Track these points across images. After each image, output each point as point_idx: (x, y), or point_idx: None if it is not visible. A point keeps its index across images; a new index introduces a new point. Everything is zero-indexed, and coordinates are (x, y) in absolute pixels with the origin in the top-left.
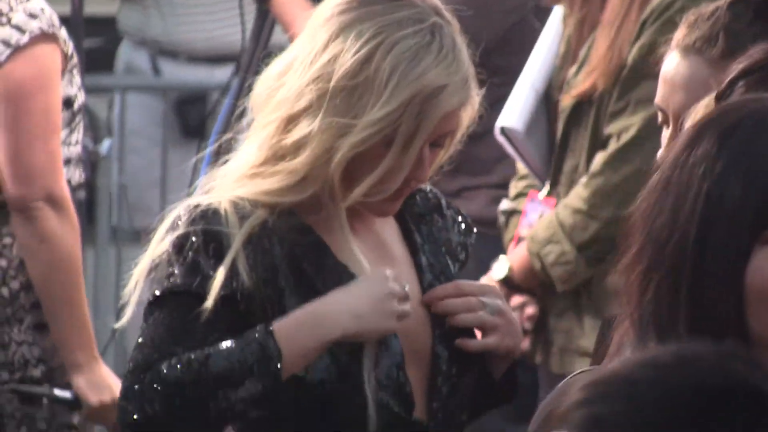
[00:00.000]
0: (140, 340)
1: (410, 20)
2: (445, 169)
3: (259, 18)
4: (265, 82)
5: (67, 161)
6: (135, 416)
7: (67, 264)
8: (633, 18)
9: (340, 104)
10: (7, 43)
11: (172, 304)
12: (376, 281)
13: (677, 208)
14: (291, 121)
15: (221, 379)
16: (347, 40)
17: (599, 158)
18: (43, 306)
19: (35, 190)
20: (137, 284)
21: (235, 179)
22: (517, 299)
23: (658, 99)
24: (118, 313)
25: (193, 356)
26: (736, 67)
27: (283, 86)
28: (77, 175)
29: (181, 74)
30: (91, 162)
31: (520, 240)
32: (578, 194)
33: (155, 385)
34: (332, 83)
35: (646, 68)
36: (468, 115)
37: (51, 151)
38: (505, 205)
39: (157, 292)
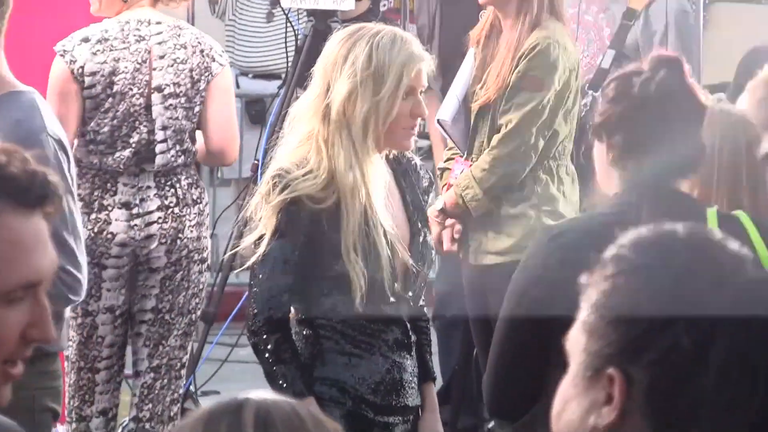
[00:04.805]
0: (256, 277)
1: (382, 34)
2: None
3: (297, 52)
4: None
5: None
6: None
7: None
8: (511, 57)
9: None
10: (220, 64)
11: (276, 245)
12: None
13: None
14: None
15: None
16: (352, 53)
17: (495, 138)
18: None
19: (225, 142)
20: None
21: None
22: (449, 221)
23: None
24: (214, 225)
25: (290, 376)
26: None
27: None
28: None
29: (249, 86)
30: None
31: (449, 186)
32: (483, 159)
33: (266, 355)
34: (358, 78)
35: (520, 86)
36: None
37: (233, 121)
38: (440, 165)
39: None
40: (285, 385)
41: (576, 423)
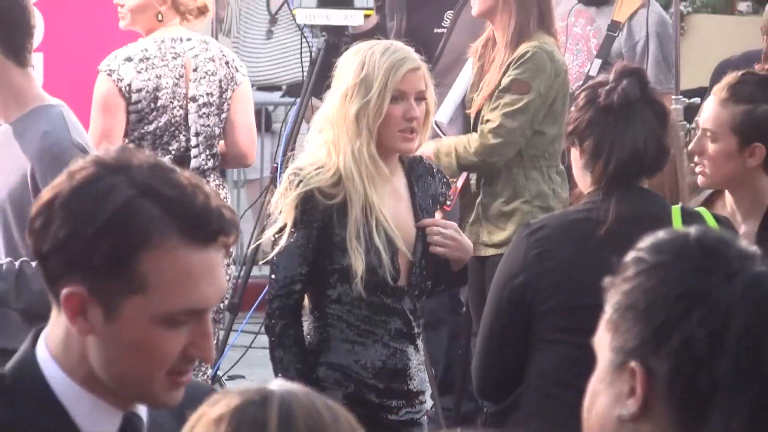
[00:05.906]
0: (274, 265)
1: (377, 46)
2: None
3: (311, 64)
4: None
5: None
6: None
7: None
8: (500, 65)
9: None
10: (243, 75)
11: (290, 239)
12: None
13: None
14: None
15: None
16: (351, 64)
17: (483, 129)
18: None
19: (247, 146)
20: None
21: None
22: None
23: None
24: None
25: (286, 361)
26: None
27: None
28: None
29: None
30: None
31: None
32: (471, 140)
33: (272, 339)
34: (349, 83)
35: (509, 89)
36: (426, 78)
37: (253, 127)
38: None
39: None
40: (281, 369)
41: (604, 415)
